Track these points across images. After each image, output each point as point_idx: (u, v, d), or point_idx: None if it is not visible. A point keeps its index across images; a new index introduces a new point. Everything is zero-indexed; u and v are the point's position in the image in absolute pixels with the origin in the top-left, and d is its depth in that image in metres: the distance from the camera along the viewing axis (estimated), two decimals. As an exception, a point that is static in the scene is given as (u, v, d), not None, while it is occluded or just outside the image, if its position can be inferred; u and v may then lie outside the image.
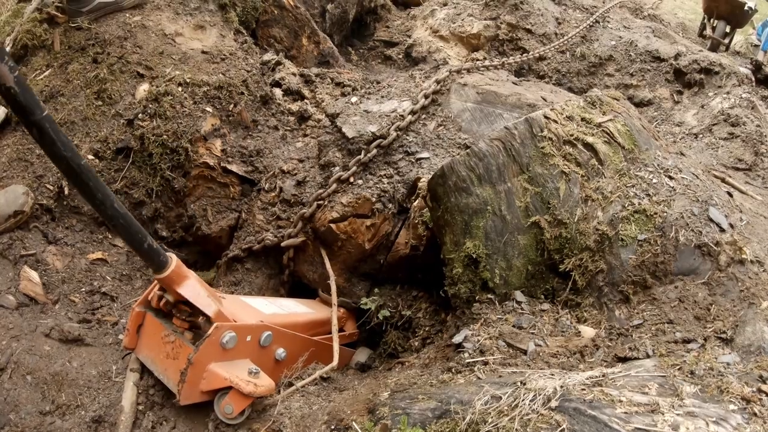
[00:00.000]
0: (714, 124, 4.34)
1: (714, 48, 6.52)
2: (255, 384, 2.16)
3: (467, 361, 2.02)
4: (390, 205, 3.10)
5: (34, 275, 2.87)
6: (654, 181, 2.40)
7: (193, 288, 2.26)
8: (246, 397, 2.16)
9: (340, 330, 3.19)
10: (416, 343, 2.92)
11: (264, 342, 2.44)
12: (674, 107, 4.88)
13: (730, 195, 2.69)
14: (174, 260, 2.20)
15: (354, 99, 3.59)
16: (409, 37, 5.28)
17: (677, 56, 4.99)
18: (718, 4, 6.73)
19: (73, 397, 2.43)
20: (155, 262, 2.16)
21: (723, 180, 3.27)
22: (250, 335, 2.38)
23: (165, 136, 3.25)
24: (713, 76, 4.89)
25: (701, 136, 4.30)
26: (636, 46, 5.08)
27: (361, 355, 3.20)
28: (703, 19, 7.13)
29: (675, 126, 4.68)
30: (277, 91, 3.76)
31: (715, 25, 6.84)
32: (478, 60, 4.66)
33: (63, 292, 2.92)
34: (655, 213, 2.29)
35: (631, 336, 2.04)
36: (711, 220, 2.31)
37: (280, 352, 2.56)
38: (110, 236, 3.31)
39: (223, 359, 2.26)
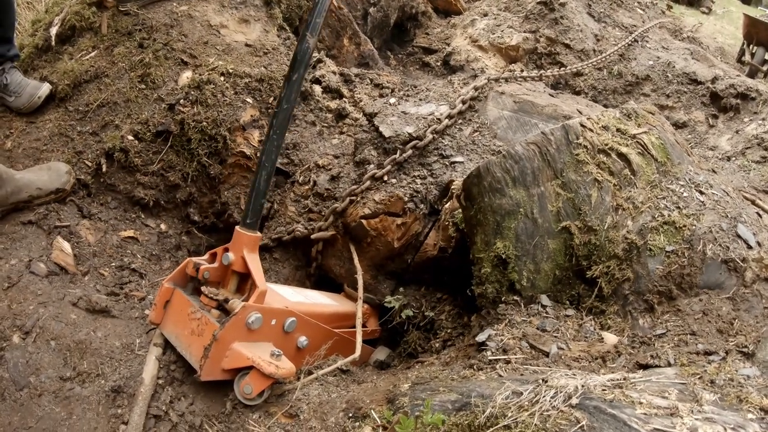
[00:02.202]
0: (747, 148, 4.31)
1: (752, 74, 6.49)
2: (276, 366, 2.20)
3: (489, 358, 2.04)
4: (421, 206, 3.14)
5: (67, 246, 2.95)
6: (685, 194, 2.42)
7: (258, 262, 2.41)
8: (266, 378, 2.20)
9: (363, 325, 3.22)
10: (437, 345, 2.94)
11: (288, 328, 2.49)
12: (709, 131, 4.85)
13: (760, 216, 2.68)
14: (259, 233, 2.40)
15: (392, 100, 3.64)
16: (448, 45, 5.32)
17: (714, 80, 4.97)
18: (758, 31, 6.71)
19: (94, 366, 2.49)
20: (256, 219, 2.38)
21: (753, 202, 3.25)
22: (275, 319, 2.42)
23: (204, 123, 3.31)
24: (749, 102, 4.86)
25: (734, 158, 4.27)
26: (673, 67, 5.07)
27: (381, 354, 3.23)
28: (743, 44, 7.11)
29: (708, 150, 4.65)
30: (317, 88, 3.82)
31: (754, 51, 6.82)
32: (515, 71, 4.69)
33: (93, 265, 2.99)
34: (684, 226, 2.30)
35: (654, 345, 2.05)
36: (739, 236, 2.32)
37: (303, 340, 2.60)
38: (143, 216, 3.39)
39: (247, 339, 2.31)
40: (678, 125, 4.91)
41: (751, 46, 6.90)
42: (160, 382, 2.45)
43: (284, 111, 2.31)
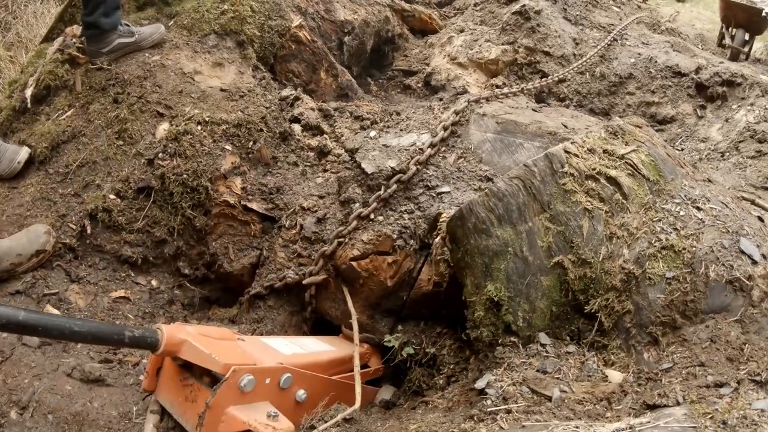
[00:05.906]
0: (740, 141, 4.24)
1: (734, 57, 6.46)
2: (273, 427, 2.15)
3: (490, 409, 1.97)
4: (411, 242, 3.07)
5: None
6: (681, 213, 2.32)
7: (193, 350, 2.23)
8: (264, 440, 2.13)
9: (366, 366, 3.17)
10: (441, 381, 2.87)
11: (283, 384, 2.42)
12: (698, 123, 4.79)
13: (761, 220, 2.60)
14: (164, 332, 2.17)
15: (373, 133, 3.57)
16: (428, 65, 5.26)
17: (698, 70, 4.91)
18: (735, 13, 6.69)
19: (93, 437, 2.45)
20: (146, 346, 2.15)
21: (752, 202, 3.18)
22: (269, 378, 2.36)
23: (185, 175, 3.27)
24: (736, 88, 4.79)
25: (728, 154, 4.20)
26: (656, 62, 5.00)
27: (386, 393, 3.16)
28: (721, 28, 7.10)
29: (700, 142, 4.59)
30: (296, 127, 3.77)
31: (733, 33, 6.80)
32: (497, 86, 4.63)
33: (85, 331, 2.96)
34: (684, 248, 2.20)
35: (661, 381, 1.96)
36: (742, 252, 2.20)
37: (301, 393, 2.54)
38: (132, 274, 3.35)
39: (241, 402, 2.24)
40: (666, 120, 4.85)
41: (729, 29, 6.87)
42: (160, 449, 2.41)
43: None
